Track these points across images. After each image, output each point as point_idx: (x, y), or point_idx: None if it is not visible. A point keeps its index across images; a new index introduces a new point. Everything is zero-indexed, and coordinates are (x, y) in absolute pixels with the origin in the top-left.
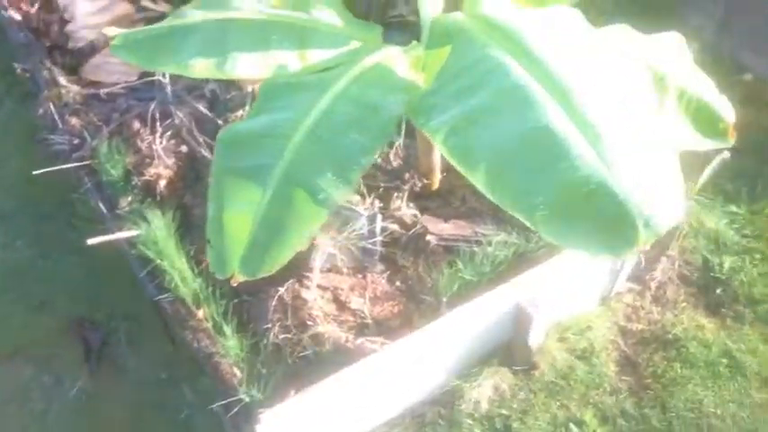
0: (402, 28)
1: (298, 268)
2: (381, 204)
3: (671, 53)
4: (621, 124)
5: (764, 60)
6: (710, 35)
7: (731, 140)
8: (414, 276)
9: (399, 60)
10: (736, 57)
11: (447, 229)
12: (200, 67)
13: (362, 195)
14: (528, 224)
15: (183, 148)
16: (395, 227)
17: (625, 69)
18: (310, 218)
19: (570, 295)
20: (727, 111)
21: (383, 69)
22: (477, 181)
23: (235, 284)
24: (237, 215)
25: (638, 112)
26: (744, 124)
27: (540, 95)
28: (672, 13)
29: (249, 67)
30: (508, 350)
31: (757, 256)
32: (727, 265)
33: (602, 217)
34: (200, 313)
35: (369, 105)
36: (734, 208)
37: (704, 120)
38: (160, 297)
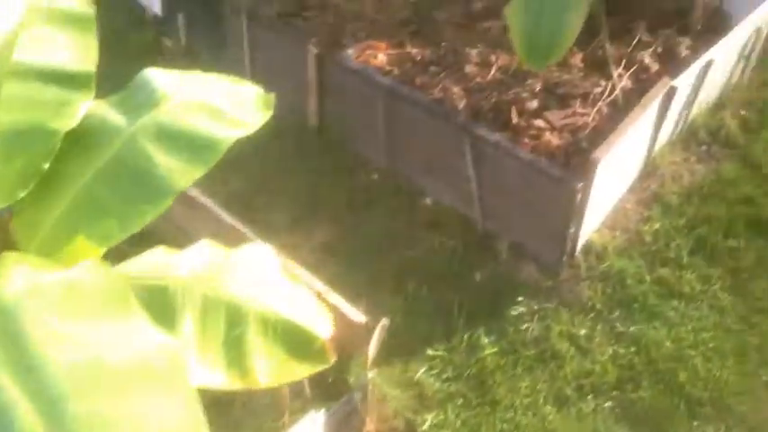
0: None
1: None
2: None
3: (255, 273)
4: None
5: (440, 184)
6: (384, 165)
7: (330, 360)
8: None
9: None
10: (414, 183)
11: None
12: None
13: None
14: None
15: None
16: None
17: (156, 338)
18: None
19: None
20: (322, 327)
21: None
22: None
23: None
24: None
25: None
26: (430, 250)
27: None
28: (339, 161)
29: None
30: None
31: (459, 401)
32: (428, 423)
33: None
34: None
35: None
36: (431, 351)
37: (296, 343)
38: None
